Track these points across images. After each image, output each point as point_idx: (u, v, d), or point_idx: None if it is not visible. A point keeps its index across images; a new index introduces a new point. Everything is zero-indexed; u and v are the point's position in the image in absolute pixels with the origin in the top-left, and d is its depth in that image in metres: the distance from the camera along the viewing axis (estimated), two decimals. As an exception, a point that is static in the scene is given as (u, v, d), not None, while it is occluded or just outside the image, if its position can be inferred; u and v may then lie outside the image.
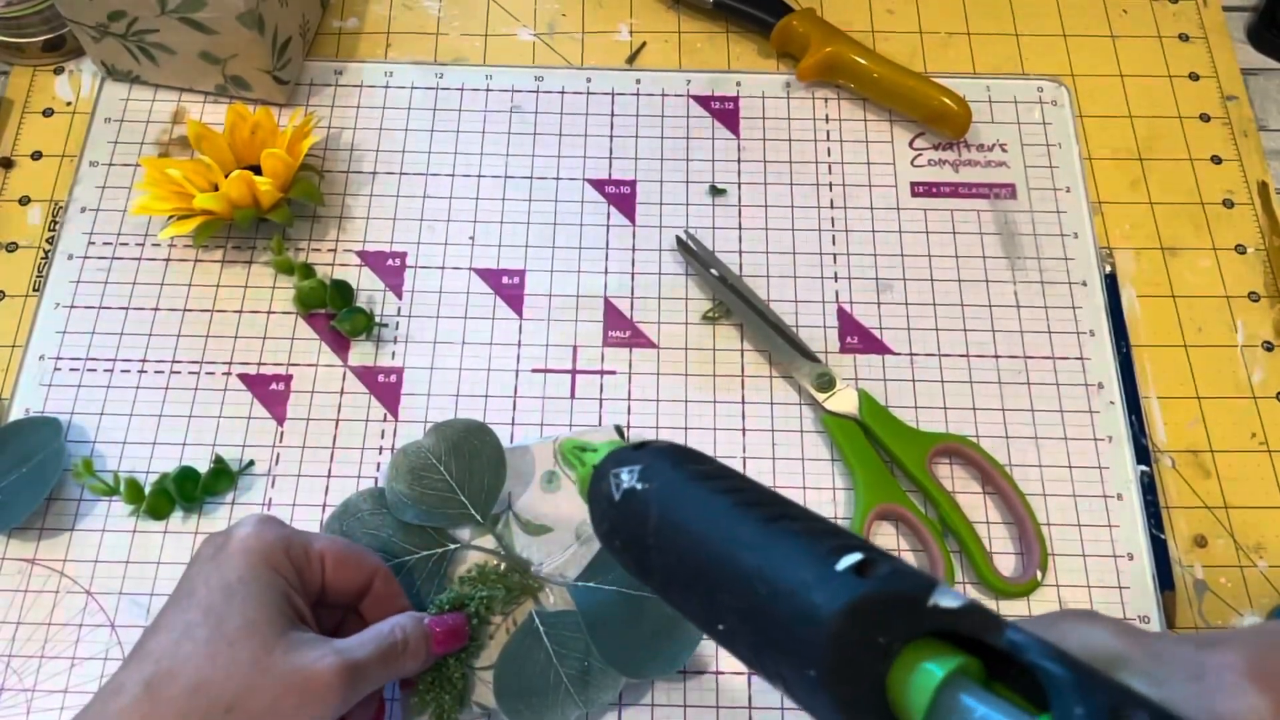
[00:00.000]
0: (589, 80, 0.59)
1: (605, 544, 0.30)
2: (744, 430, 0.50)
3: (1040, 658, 0.21)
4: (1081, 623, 0.26)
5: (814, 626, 0.22)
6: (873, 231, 0.55)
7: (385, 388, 0.51)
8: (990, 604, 0.46)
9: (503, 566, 0.45)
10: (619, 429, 0.48)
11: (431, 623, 0.40)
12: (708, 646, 0.45)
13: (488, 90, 0.59)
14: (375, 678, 0.37)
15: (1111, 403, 0.51)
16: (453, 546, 0.45)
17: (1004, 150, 0.58)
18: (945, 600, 0.22)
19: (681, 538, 0.27)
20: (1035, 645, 0.22)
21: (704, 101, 0.59)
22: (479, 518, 0.45)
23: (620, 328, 0.53)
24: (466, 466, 0.45)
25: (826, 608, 0.22)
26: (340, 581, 0.39)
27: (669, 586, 0.28)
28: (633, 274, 0.54)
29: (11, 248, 0.54)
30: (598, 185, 0.56)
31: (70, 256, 0.54)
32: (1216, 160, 0.58)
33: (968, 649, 0.22)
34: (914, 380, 0.51)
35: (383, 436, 0.50)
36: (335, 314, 0.52)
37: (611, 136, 0.58)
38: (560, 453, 0.34)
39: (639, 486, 0.29)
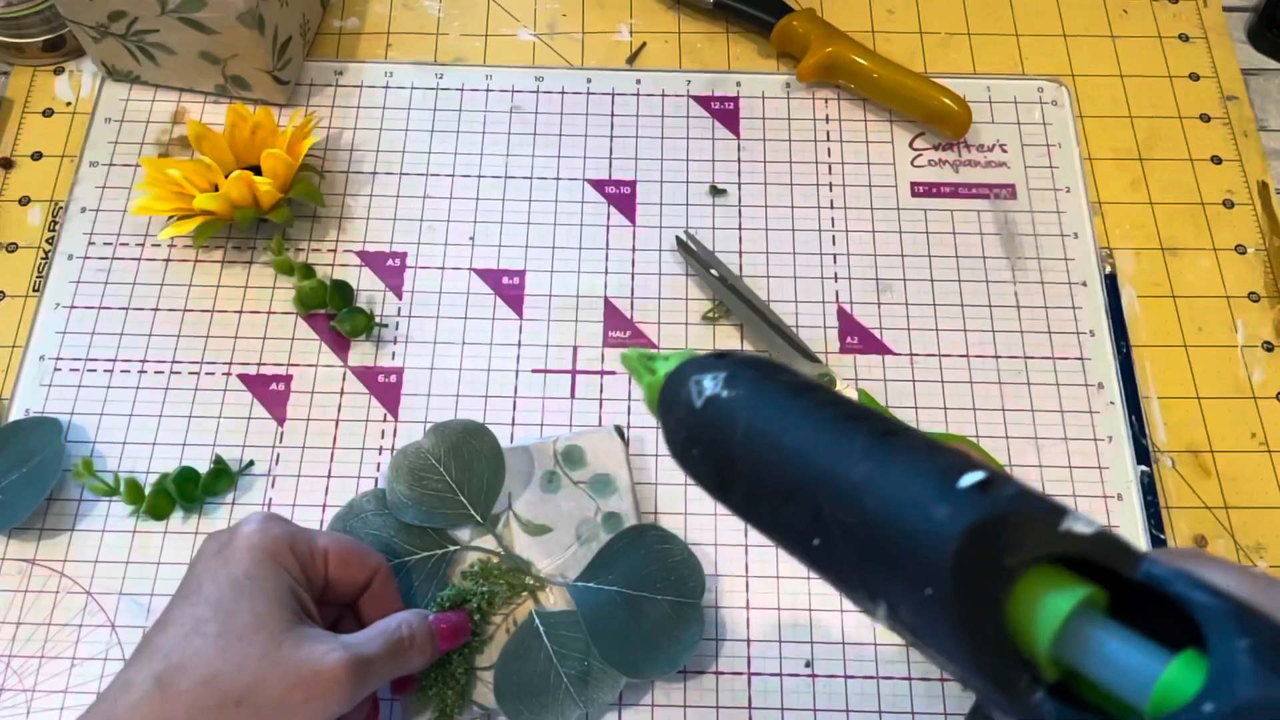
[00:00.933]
0: (589, 80, 0.59)
1: (679, 454, 0.29)
2: (744, 430, 0.50)
3: (1189, 589, 0.20)
4: (1204, 564, 0.24)
5: (936, 543, 0.21)
6: (873, 231, 0.55)
7: (385, 388, 0.51)
8: (990, 604, 0.46)
9: (503, 566, 0.45)
10: (619, 429, 0.48)
11: (436, 620, 0.40)
12: (708, 647, 0.45)
13: (488, 90, 0.59)
14: (382, 673, 0.37)
15: (1111, 403, 0.51)
16: (453, 548, 0.45)
17: (1004, 150, 0.58)
18: (1079, 526, 0.21)
19: (776, 447, 0.25)
20: (1180, 577, 0.20)
21: (704, 101, 0.59)
22: (479, 518, 0.45)
23: (620, 328, 0.53)
24: (466, 467, 0.45)
25: (951, 524, 0.21)
26: (342, 578, 0.40)
27: (754, 500, 0.26)
28: (633, 274, 0.54)
29: (11, 248, 0.54)
30: (598, 185, 0.56)
31: (70, 257, 0.54)
32: (1216, 160, 0.58)
33: (1093, 579, 0.21)
34: (914, 380, 0.51)
35: (383, 437, 0.50)
36: (335, 314, 0.52)
37: (611, 137, 0.58)
38: (625, 361, 0.32)
39: (725, 393, 0.27)
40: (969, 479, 0.21)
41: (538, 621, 0.43)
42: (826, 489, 0.23)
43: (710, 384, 0.27)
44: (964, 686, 0.23)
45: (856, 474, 0.23)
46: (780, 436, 0.25)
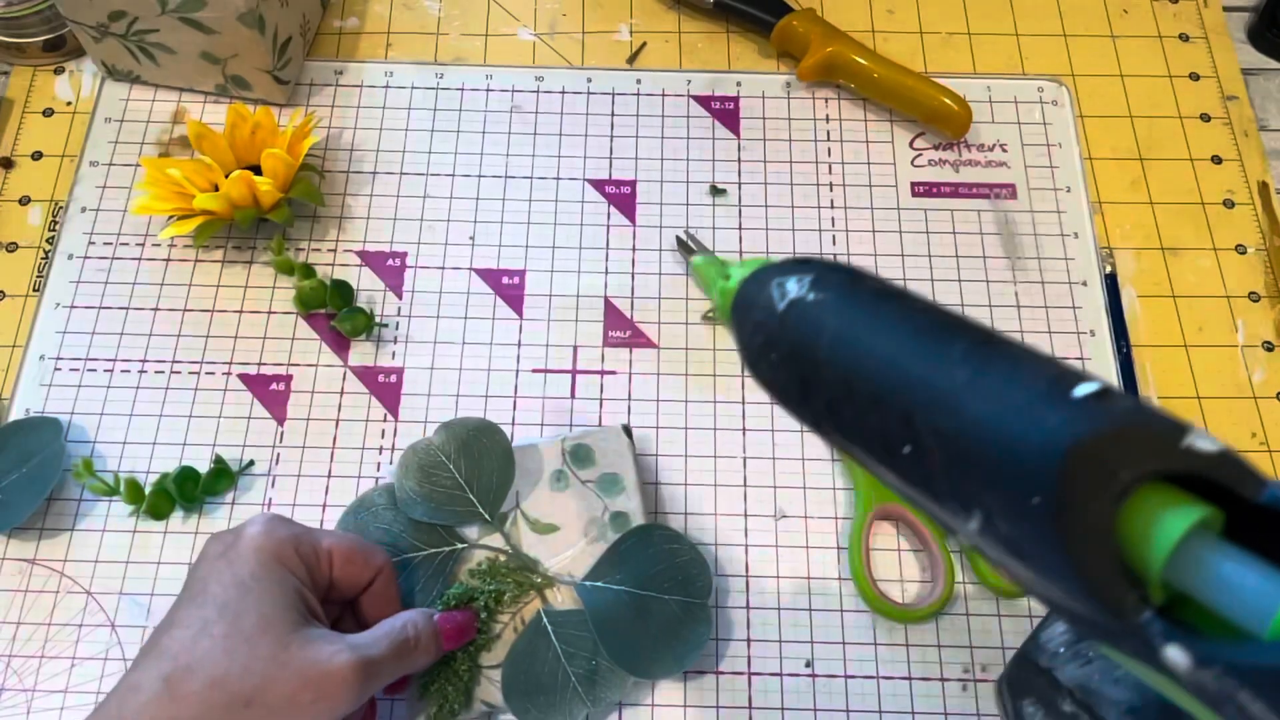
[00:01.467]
0: (589, 80, 0.59)
1: (754, 361, 0.27)
2: (744, 430, 0.50)
3: None
4: None
5: (1048, 450, 0.20)
6: (873, 231, 0.55)
7: (385, 388, 0.51)
8: (990, 604, 0.47)
9: (511, 564, 0.45)
10: (626, 428, 0.48)
11: (440, 620, 0.41)
12: (708, 646, 0.45)
13: (488, 90, 0.59)
14: (388, 673, 0.37)
15: (1112, 403, 0.51)
16: (460, 545, 0.45)
17: (1004, 150, 0.58)
18: (1202, 443, 0.20)
19: (868, 351, 0.24)
20: None
21: (704, 101, 0.59)
22: (487, 516, 0.45)
23: (620, 328, 0.53)
24: (475, 465, 0.45)
25: (1066, 431, 0.20)
26: (347, 578, 0.40)
27: (838, 406, 0.25)
28: (633, 274, 0.54)
29: (11, 248, 0.54)
30: (598, 185, 0.56)
31: (70, 256, 0.54)
32: (1217, 160, 0.58)
33: (1209, 500, 0.20)
34: (914, 380, 0.51)
35: (383, 436, 0.50)
36: (335, 314, 0.52)
37: (611, 136, 0.58)
38: (695, 270, 0.32)
39: (811, 296, 0.26)
40: (1085, 388, 0.20)
41: (545, 620, 0.43)
42: (923, 394, 0.22)
43: (795, 286, 0.26)
44: (1054, 609, 0.23)
45: (958, 378, 0.22)
46: (873, 340, 0.24)
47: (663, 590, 0.43)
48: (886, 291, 0.26)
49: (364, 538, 0.45)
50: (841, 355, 0.25)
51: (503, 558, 0.45)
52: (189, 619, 0.35)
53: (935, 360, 0.23)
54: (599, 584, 0.44)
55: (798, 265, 0.27)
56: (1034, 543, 0.20)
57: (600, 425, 0.50)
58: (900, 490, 0.25)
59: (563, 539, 0.45)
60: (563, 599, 0.44)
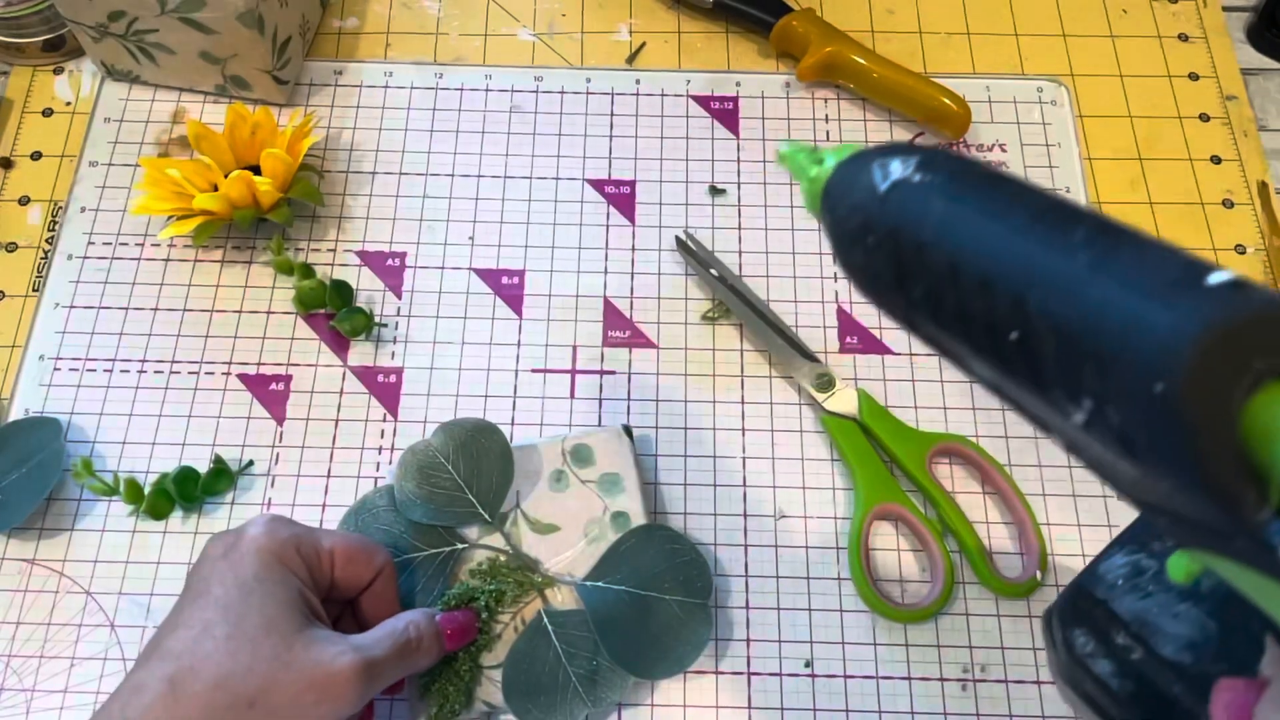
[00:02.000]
0: (589, 80, 0.59)
1: (848, 244, 0.27)
2: (744, 430, 0.50)
3: None
4: None
5: (1178, 335, 0.19)
6: (872, 231, 0.55)
7: (385, 388, 0.51)
8: (990, 604, 0.46)
9: (511, 564, 0.45)
10: (627, 428, 0.48)
11: (443, 620, 0.41)
12: (710, 647, 0.45)
13: (487, 90, 0.59)
14: (390, 674, 0.37)
15: (1111, 403, 0.51)
16: (461, 546, 0.45)
17: (1004, 150, 0.58)
18: None
19: (980, 232, 0.23)
20: None
21: (704, 101, 0.59)
22: (487, 516, 0.45)
23: (620, 328, 0.53)
24: (474, 465, 0.45)
25: (1199, 316, 0.19)
26: (348, 578, 0.40)
27: (939, 292, 0.24)
28: (632, 274, 0.54)
29: (11, 248, 0.54)
30: (597, 185, 0.56)
31: (70, 256, 0.54)
32: (1216, 160, 0.58)
33: None
34: (914, 380, 0.51)
35: (382, 436, 0.50)
36: (335, 314, 0.52)
37: (611, 136, 0.58)
38: (784, 158, 0.31)
39: (918, 177, 0.25)
40: (1219, 276, 0.20)
41: (546, 620, 0.43)
42: (1039, 277, 0.22)
43: (900, 167, 0.26)
44: (1153, 513, 0.22)
45: (1079, 261, 0.21)
46: (985, 221, 0.23)
47: (663, 590, 0.43)
48: (998, 175, 0.25)
49: None
50: (949, 236, 0.24)
51: (503, 558, 0.45)
52: (192, 620, 0.35)
53: (1054, 243, 0.22)
54: (599, 584, 0.44)
55: (901, 148, 0.26)
56: (1150, 433, 0.19)
57: (600, 425, 0.50)
58: (994, 383, 0.24)
59: (563, 539, 0.45)
60: (563, 599, 0.44)
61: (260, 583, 0.36)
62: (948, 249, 0.24)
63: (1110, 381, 0.20)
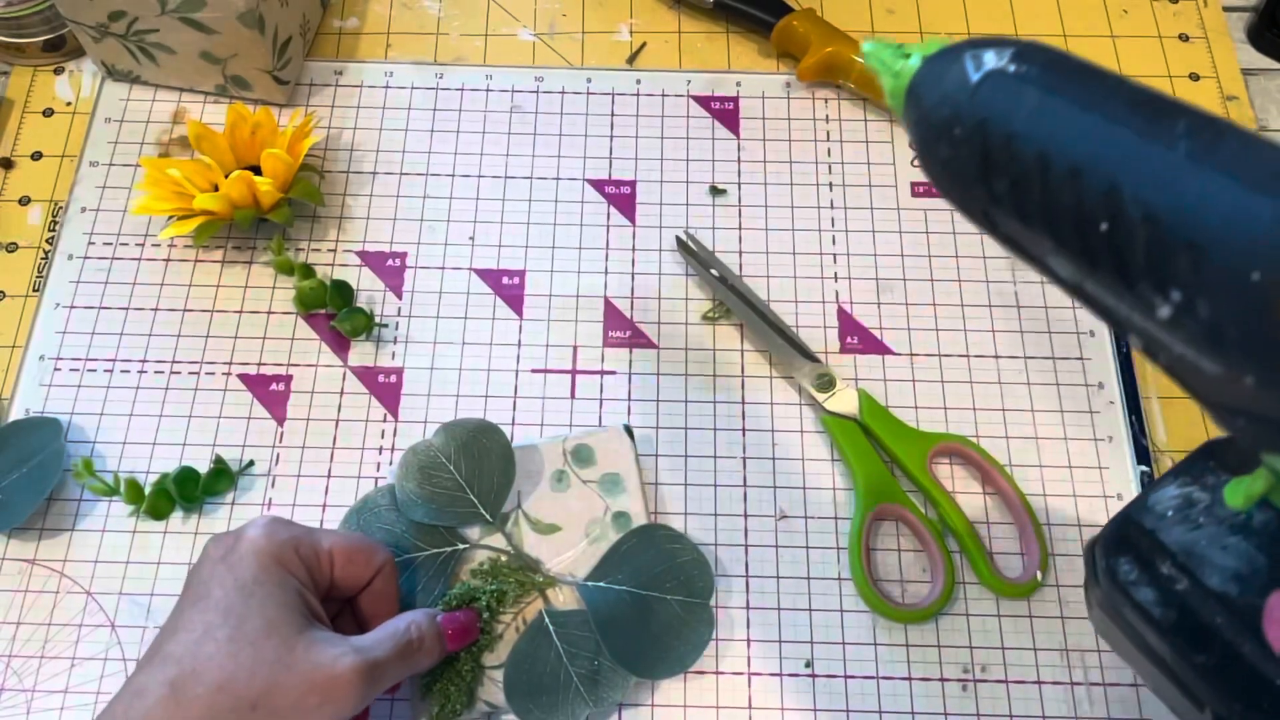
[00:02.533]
0: (589, 80, 0.59)
1: (931, 138, 0.27)
2: (744, 430, 0.50)
3: None
4: None
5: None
6: (873, 231, 0.55)
7: (385, 388, 0.51)
8: (990, 604, 0.47)
9: (513, 565, 0.45)
10: (628, 428, 0.48)
11: (444, 621, 0.41)
12: (710, 647, 0.45)
13: (488, 90, 0.59)
14: (392, 675, 0.37)
15: (1111, 403, 0.51)
16: (462, 546, 0.45)
17: (1004, 150, 0.57)
18: None
19: (1073, 122, 0.23)
20: None
21: (704, 101, 0.59)
22: (488, 517, 0.45)
23: (620, 328, 0.53)
24: (476, 466, 0.45)
25: None
26: (348, 577, 0.40)
27: (1026, 183, 0.24)
28: (633, 274, 0.54)
29: (11, 248, 0.54)
30: (598, 185, 0.56)
31: (70, 256, 0.54)
32: (1216, 160, 0.57)
33: None
34: (914, 380, 0.51)
35: (383, 437, 0.50)
36: (335, 314, 0.52)
37: (611, 136, 0.58)
38: (869, 55, 0.30)
39: (1013, 67, 0.25)
40: None
41: (547, 620, 0.43)
42: (1135, 166, 0.22)
43: (994, 58, 0.25)
44: (1232, 415, 0.22)
45: (1178, 151, 0.21)
46: (1080, 111, 0.23)
47: (664, 590, 0.43)
48: (1094, 68, 0.25)
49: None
50: (1041, 126, 0.24)
51: (504, 558, 0.45)
52: (192, 623, 0.35)
53: (1153, 133, 0.22)
54: (601, 584, 0.44)
55: (995, 40, 0.26)
56: (1242, 324, 0.19)
57: (601, 425, 0.50)
58: (1073, 283, 0.24)
59: (564, 539, 0.46)
60: (564, 599, 0.44)
61: (260, 585, 0.36)
62: (1039, 139, 0.24)
63: (1204, 272, 0.20)
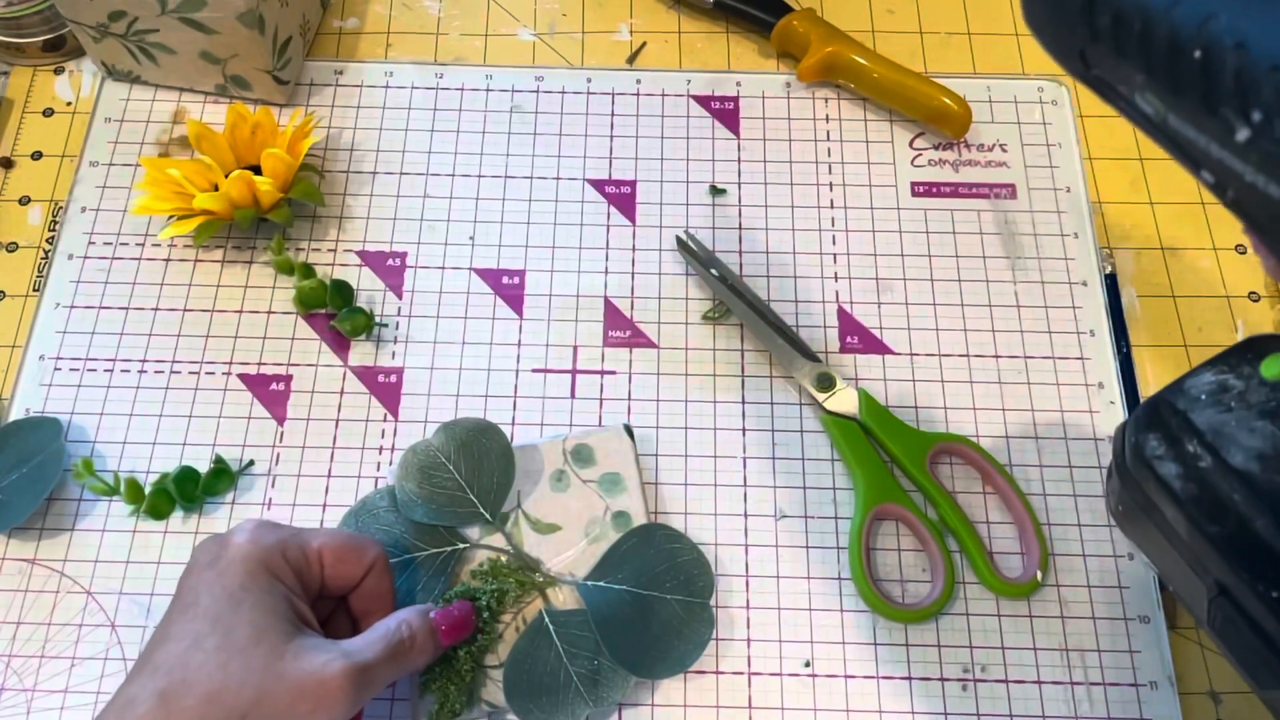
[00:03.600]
0: (589, 80, 0.59)
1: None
2: (744, 430, 0.50)
3: None
4: None
5: None
6: (873, 231, 0.55)
7: (385, 388, 0.51)
8: (990, 604, 0.47)
9: (513, 564, 0.45)
10: (628, 428, 0.48)
11: (437, 617, 0.40)
12: (710, 647, 0.45)
13: (488, 90, 0.59)
14: (384, 677, 0.37)
15: (1111, 403, 0.51)
16: (462, 545, 0.45)
17: (1004, 150, 0.58)
18: None
19: None
20: None
21: (704, 101, 0.59)
22: (488, 516, 0.45)
23: (620, 328, 0.53)
24: (475, 465, 0.45)
25: None
26: (339, 576, 0.39)
27: (1129, 16, 0.26)
28: (633, 274, 0.54)
29: (11, 248, 0.54)
30: (598, 185, 0.56)
31: (70, 256, 0.54)
32: (1216, 160, 0.57)
33: None
34: (914, 380, 0.51)
35: (383, 436, 0.50)
36: (335, 314, 0.52)
37: (611, 136, 0.58)
38: None
39: None
40: None
41: (547, 620, 0.43)
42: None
43: None
44: None
45: None
46: None
47: (664, 590, 0.43)
48: None
49: None
50: None
51: (504, 558, 0.45)
52: (181, 632, 0.35)
53: None
54: (601, 583, 0.44)
55: None
56: None
57: (601, 425, 0.50)
58: (1157, 117, 0.25)
59: (564, 539, 0.46)
60: (564, 599, 0.44)
61: (248, 592, 0.36)
62: None
63: None
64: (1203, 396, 0.34)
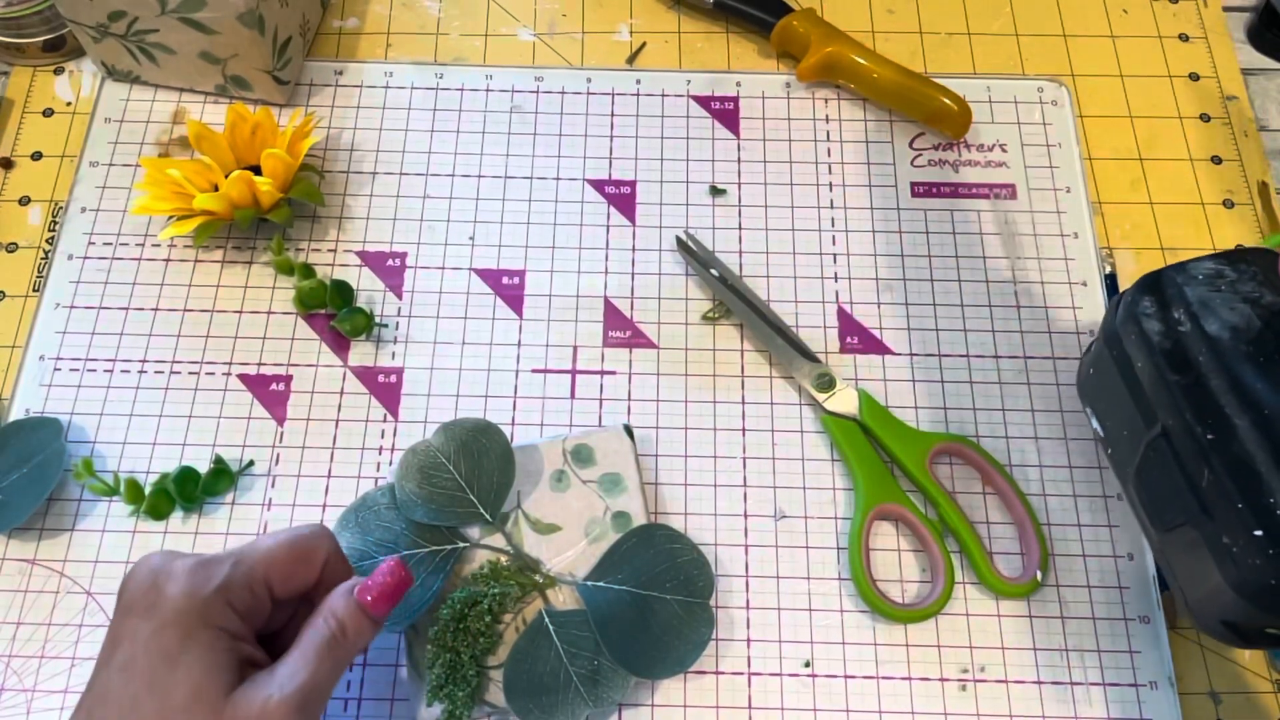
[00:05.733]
0: (589, 80, 0.59)
1: None
2: (744, 430, 0.50)
3: None
4: None
5: None
6: (873, 231, 0.55)
7: (385, 388, 0.51)
8: (990, 604, 0.47)
9: (513, 565, 0.45)
10: (628, 428, 0.48)
11: (360, 591, 0.36)
12: (710, 647, 0.45)
13: (488, 90, 0.59)
14: (329, 681, 0.35)
15: (1111, 403, 0.51)
16: (462, 545, 0.45)
17: (1004, 150, 0.58)
18: None
19: None
20: None
21: (704, 101, 0.59)
22: (488, 516, 0.45)
23: (620, 328, 0.53)
24: (475, 465, 0.45)
25: None
26: (293, 587, 0.37)
27: None
28: (633, 274, 0.54)
29: (11, 248, 0.54)
30: (598, 185, 0.56)
31: (70, 257, 0.54)
32: (1216, 160, 0.58)
33: None
34: (914, 380, 0.51)
35: (383, 437, 0.50)
36: (335, 314, 0.52)
37: (611, 137, 0.58)
38: None
39: None
40: None
41: (547, 620, 0.43)
42: None
43: None
44: None
45: None
46: None
47: (664, 590, 0.43)
48: None
49: (365, 537, 0.44)
50: None
51: (504, 558, 0.45)
52: (119, 695, 0.34)
53: None
54: (600, 584, 0.44)
55: None
56: None
57: (601, 425, 0.50)
58: None
59: (564, 539, 0.46)
60: (564, 599, 0.44)
61: (186, 652, 0.34)
62: None
63: None
64: (1200, 276, 0.40)
